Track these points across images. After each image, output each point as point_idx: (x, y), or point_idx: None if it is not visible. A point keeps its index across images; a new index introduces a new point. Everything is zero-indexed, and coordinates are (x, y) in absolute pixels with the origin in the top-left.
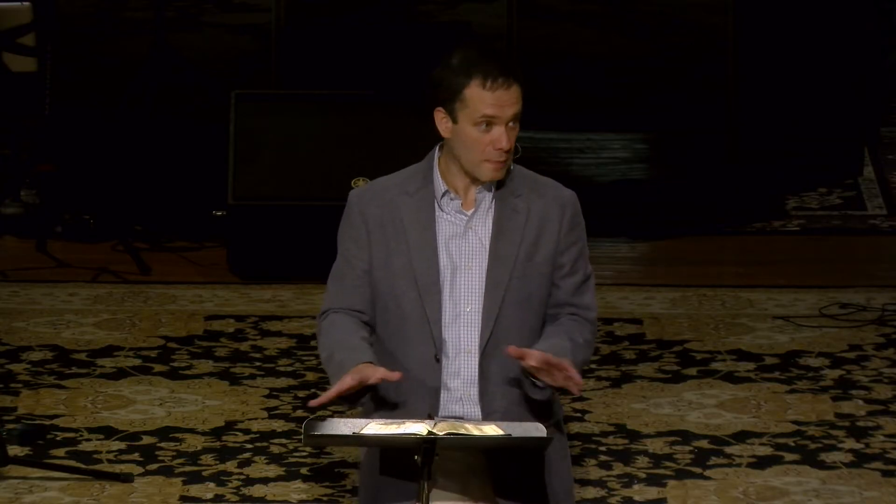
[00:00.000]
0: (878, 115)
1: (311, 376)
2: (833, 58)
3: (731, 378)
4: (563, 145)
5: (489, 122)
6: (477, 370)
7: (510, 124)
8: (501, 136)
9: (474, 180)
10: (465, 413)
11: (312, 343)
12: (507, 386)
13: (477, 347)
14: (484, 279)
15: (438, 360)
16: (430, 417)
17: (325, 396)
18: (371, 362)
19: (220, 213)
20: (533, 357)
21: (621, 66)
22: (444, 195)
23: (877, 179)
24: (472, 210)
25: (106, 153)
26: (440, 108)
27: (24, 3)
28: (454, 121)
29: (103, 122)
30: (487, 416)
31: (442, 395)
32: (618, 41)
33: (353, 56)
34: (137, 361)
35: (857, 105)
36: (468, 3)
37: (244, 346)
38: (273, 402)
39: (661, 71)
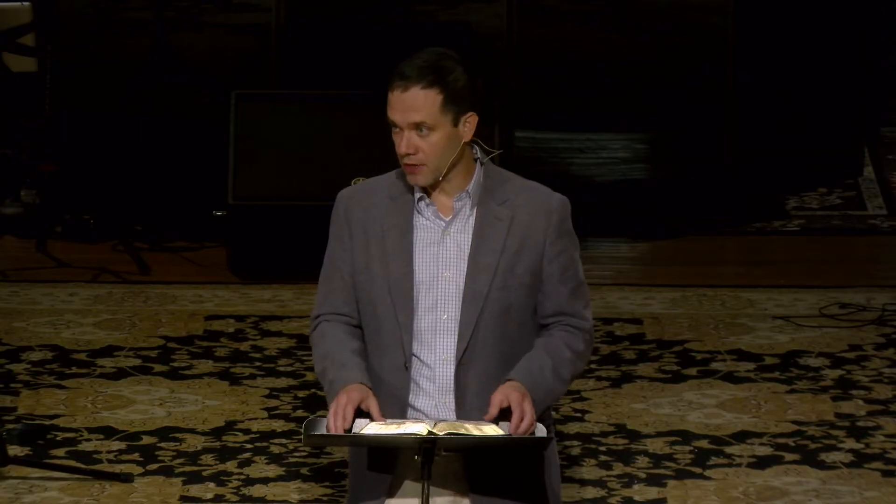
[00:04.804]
0: (878, 115)
1: (311, 376)
2: (833, 58)
3: (731, 378)
4: (563, 145)
5: (396, 127)
6: (453, 379)
7: (420, 132)
8: (400, 142)
9: (443, 186)
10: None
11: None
12: (483, 398)
13: (453, 357)
14: (462, 288)
15: (407, 369)
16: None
17: (331, 423)
18: (363, 382)
19: (220, 213)
20: (493, 407)
21: (621, 66)
22: (419, 199)
23: (877, 179)
24: (451, 216)
25: (106, 153)
26: None
27: (24, 3)
28: None
29: (103, 121)
30: None
31: (414, 400)
32: (618, 41)
33: (353, 56)
34: (137, 361)
35: (857, 105)
36: (468, 3)
37: (244, 346)
38: (273, 402)
39: (661, 71)
